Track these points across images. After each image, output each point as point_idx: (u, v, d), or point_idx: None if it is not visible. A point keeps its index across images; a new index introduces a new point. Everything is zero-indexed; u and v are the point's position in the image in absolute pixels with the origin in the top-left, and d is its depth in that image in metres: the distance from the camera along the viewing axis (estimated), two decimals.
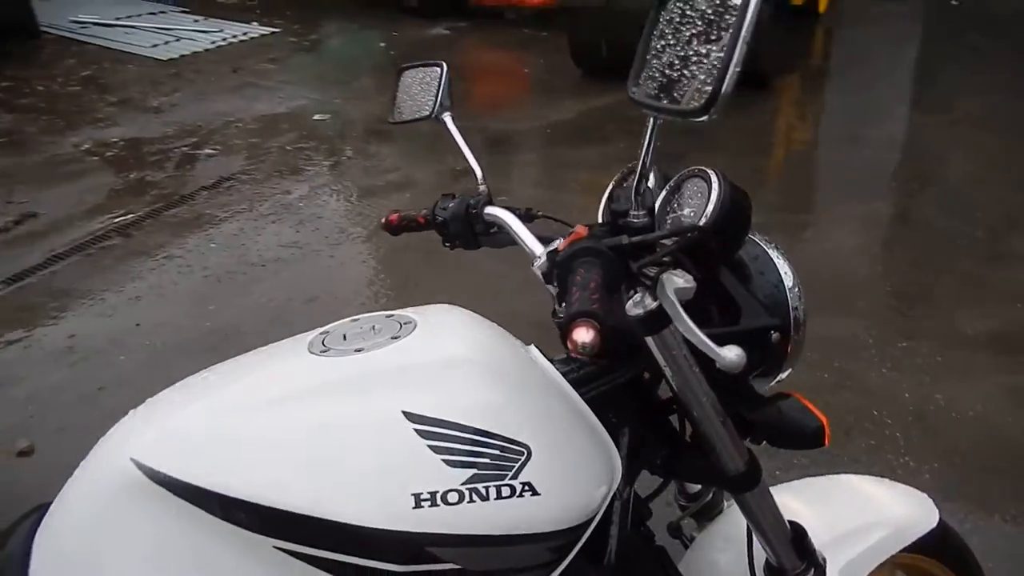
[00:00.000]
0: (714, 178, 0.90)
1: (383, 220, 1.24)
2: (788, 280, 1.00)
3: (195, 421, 0.84)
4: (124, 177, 4.40)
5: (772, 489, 1.20)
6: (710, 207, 0.86)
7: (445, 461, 0.79)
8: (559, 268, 0.75)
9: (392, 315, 0.96)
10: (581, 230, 0.81)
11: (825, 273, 3.10)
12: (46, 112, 5.36)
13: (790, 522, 1.05)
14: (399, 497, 0.77)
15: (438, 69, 1.24)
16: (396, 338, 0.90)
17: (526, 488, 0.81)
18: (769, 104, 5.58)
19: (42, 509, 0.87)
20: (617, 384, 0.98)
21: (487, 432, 0.81)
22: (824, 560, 1.08)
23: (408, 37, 7.33)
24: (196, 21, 7.58)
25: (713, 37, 0.72)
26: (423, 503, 0.78)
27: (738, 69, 0.67)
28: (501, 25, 7.65)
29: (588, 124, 5.18)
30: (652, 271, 0.76)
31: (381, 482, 0.78)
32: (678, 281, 0.76)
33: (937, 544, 1.22)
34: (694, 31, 0.74)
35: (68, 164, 4.55)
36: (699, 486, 1.24)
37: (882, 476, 1.29)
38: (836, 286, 3.05)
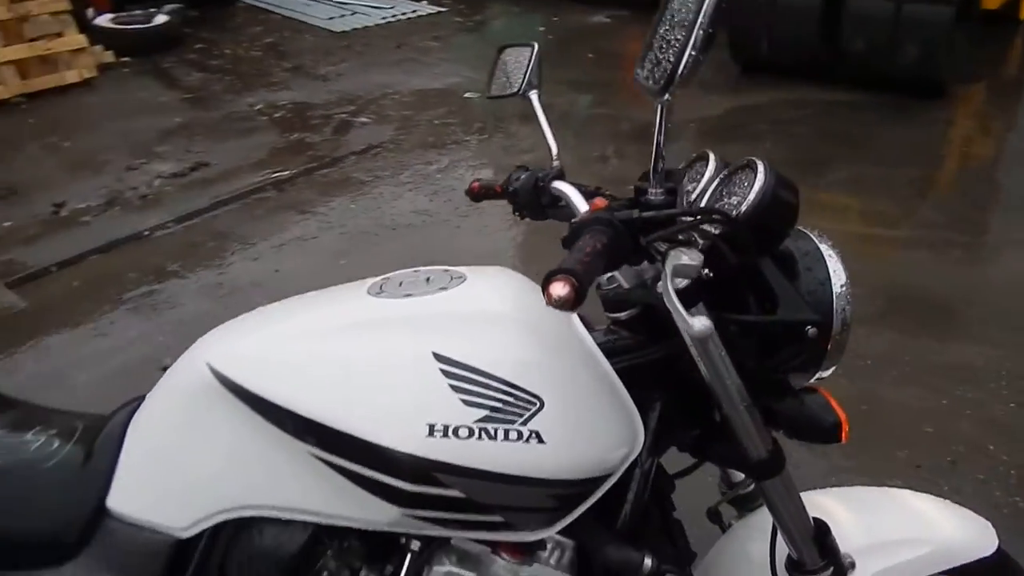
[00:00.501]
0: (760, 171, 0.92)
1: (467, 187, 1.33)
2: (836, 279, 0.99)
3: (260, 340, 0.97)
4: (286, 137, 4.78)
5: (818, 491, 1.21)
6: (750, 197, 0.89)
7: (462, 400, 0.87)
8: (571, 234, 0.80)
9: (448, 270, 1.05)
10: (600, 202, 0.86)
11: (973, 296, 2.90)
12: (230, 73, 5.90)
13: (815, 520, 1.05)
14: (415, 424, 0.86)
15: (530, 49, 1.31)
16: (443, 288, 0.99)
17: (533, 436, 0.87)
18: (943, 114, 5.17)
19: (138, 400, 1.04)
20: (652, 359, 1.01)
21: (505, 381, 0.88)
22: (852, 564, 1.07)
23: (568, 22, 7.39)
24: None
25: (686, 23, 0.76)
26: (435, 433, 0.86)
27: (696, 54, 0.70)
28: None
29: (736, 122, 5.04)
30: (662, 246, 0.80)
31: (402, 409, 0.87)
32: (683, 258, 0.79)
33: (992, 574, 1.17)
34: (679, 18, 0.78)
35: (241, 121, 5.01)
36: (742, 475, 1.25)
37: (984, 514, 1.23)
38: (977, 309, 2.85)
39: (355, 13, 7.46)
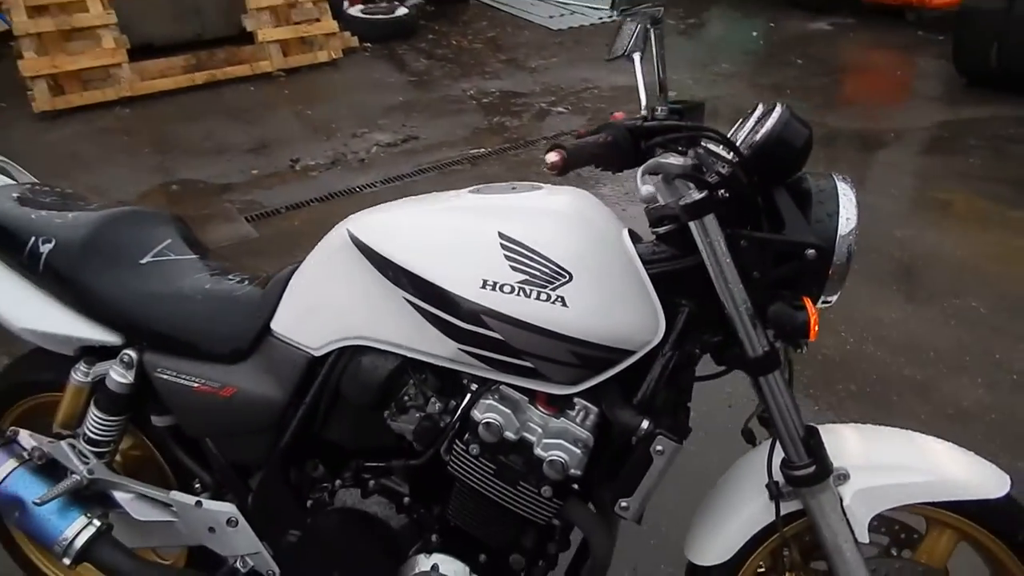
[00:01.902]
0: (776, 111, 1.12)
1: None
2: (844, 213, 1.15)
3: (381, 214, 1.31)
4: (489, 120, 5.27)
5: (842, 424, 1.34)
6: (760, 131, 1.10)
7: (510, 266, 1.16)
8: (591, 131, 1.04)
9: (533, 184, 1.33)
10: (619, 115, 1.10)
11: None
12: (452, 62, 6.54)
13: (808, 426, 1.20)
14: (474, 278, 1.16)
15: (639, 17, 1.53)
16: (516, 191, 1.27)
17: (559, 300, 1.14)
18: None
19: (302, 261, 1.42)
20: (682, 268, 1.22)
21: (545, 257, 1.15)
22: (846, 476, 1.21)
23: (786, 29, 7.30)
24: None
25: None
26: (487, 286, 1.15)
27: None
28: (893, 25, 7.19)
29: (946, 134, 4.81)
30: (658, 151, 1.03)
31: (467, 267, 1.18)
32: (669, 158, 1.01)
33: (1002, 520, 1.23)
34: None
35: (454, 104, 5.57)
36: None
37: None
38: None
39: (574, 13, 7.87)
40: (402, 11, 7.10)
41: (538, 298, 1.14)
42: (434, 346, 1.22)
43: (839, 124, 4.99)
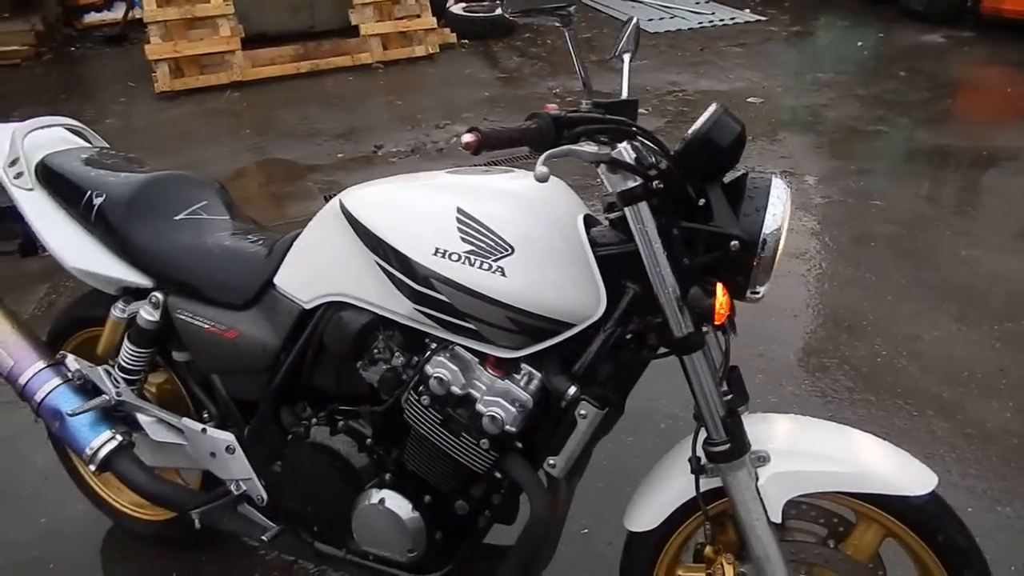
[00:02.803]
0: (707, 112, 1.21)
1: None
2: (772, 210, 1.22)
3: (368, 188, 1.46)
4: None
5: (777, 414, 1.40)
6: (691, 130, 1.19)
7: (461, 237, 1.29)
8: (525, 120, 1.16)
9: (505, 168, 1.46)
10: (551, 106, 1.20)
11: None
12: (542, 61, 6.68)
13: (730, 407, 1.28)
14: (429, 246, 1.31)
15: (633, 19, 1.61)
16: (488, 172, 1.40)
17: (498, 270, 1.27)
18: None
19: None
20: (627, 252, 1.31)
21: (493, 231, 1.28)
22: (765, 459, 1.28)
23: (895, 40, 7.02)
24: (697, 3, 8.34)
25: None
26: (438, 253, 1.30)
27: None
28: (1014, 40, 6.79)
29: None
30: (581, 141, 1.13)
31: (424, 235, 1.32)
32: (584, 146, 1.12)
33: (924, 519, 1.26)
34: None
35: (537, 101, 5.71)
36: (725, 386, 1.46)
37: None
38: None
39: (674, 17, 7.86)
40: (500, 10, 7.30)
41: (480, 267, 1.27)
42: (396, 305, 1.37)
43: (931, 140, 4.81)
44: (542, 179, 1.04)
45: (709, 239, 1.22)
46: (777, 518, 1.27)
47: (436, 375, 1.35)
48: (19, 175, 1.74)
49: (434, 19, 6.69)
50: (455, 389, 1.35)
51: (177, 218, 1.69)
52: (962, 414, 2.41)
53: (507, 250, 1.28)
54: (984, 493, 2.10)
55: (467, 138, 1.06)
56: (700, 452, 1.30)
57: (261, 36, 6.58)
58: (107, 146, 2.00)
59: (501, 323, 1.29)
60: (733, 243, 1.20)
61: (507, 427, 1.32)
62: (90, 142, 1.98)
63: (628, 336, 1.33)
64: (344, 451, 1.47)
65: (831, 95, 5.66)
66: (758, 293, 1.26)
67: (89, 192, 1.69)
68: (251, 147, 5.02)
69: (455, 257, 1.29)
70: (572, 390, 1.29)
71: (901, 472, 1.28)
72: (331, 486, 1.49)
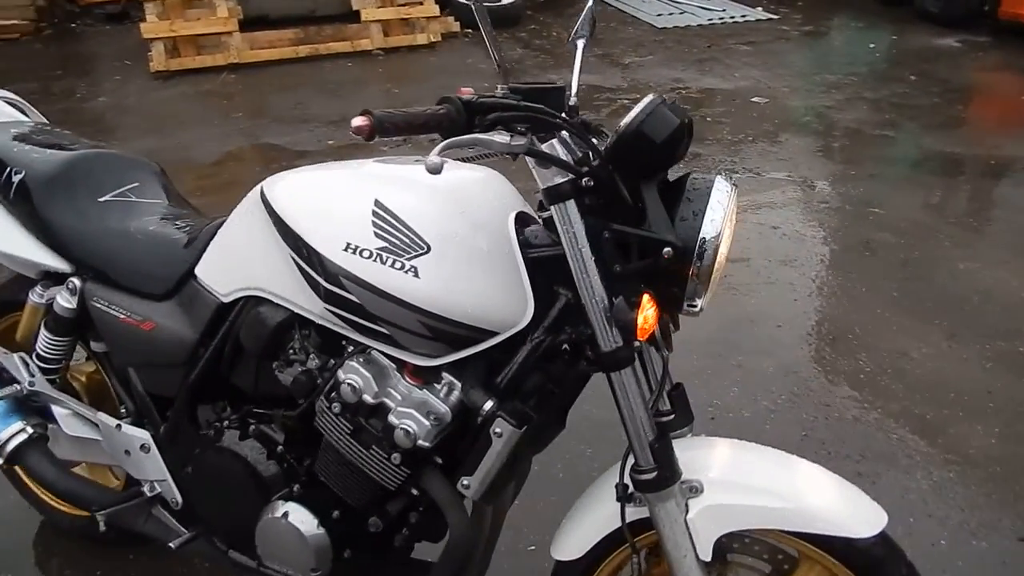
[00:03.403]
0: (641, 104, 1.09)
1: None
2: (711, 214, 1.10)
3: (287, 176, 1.35)
4: None
5: (727, 439, 1.29)
6: (621, 123, 1.07)
7: (375, 232, 1.18)
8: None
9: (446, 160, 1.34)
10: (466, 90, 1.09)
11: None
12: (546, 52, 6.55)
13: (660, 431, 1.16)
14: (340, 240, 1.20)
15: (589, 1, 1.50)
16: (420, 162, 1.29)
17: (411, 270, 1.16)
18: None
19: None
20: (560, 256, 1.20)
21: (409, 227, 1.17)
22: (698, 489, 1.16)
23: (908, 43, 6.84)
24: None
25: None
26: (349, 249, 1.19)
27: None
28: None
29: None
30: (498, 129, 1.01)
31: (336, 228, 1.21)
32: (494, 136, 1.00)
33: (868, 563, 1.15)
34: None
35: None
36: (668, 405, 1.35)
37: None
38: None
39: (684, 12, 7.69)
40: (507, 0, 7.17)
41: (392, 266, 1.16)
42: (309, 303, 1.26)
43: (937, 147, 4.65)
44: (434, 170, 0.93)
45: (642, 245, 1.11)
46: (707, 555, 1.16)
47: (348, 381, 1.24)
48: None
49: (436, 7, 6.56)
50: (367, 398, 1.24)
51: (102, 200, 1.59)
52: (944, 438, 2.29)
53: (422, 248, 1.17)
54: (960, 525, 1.98)
55: (357, 122, 0.94)
56: (628, 479, 1.19)
57: (262, 19, 6.48)
58: (45, 122, 1.91)
59: (415, 328, 1.18)
60: (666, 250, 1.09)
61: (420, 442, 1.21)
62: (27, 115, 1.89)
63: (564, 347, 1.23)
64: (252, 458, 1.37)
65: (838, 97, 5.51)
66: (696, 306, 1.15)
67: (9, 169, 1.59)
68: (241, 131, 4.92)
69: (367, 254, 1.18)
70: (488, 405, 1.18)
71: (846, 510, 1.16)
72: (238, 495, 1.39)
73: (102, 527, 1.52)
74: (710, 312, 3.08)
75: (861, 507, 1.17)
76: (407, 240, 1.17)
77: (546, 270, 1.19)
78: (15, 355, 1.62)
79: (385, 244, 1.17)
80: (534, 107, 1.03)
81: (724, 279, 3.10)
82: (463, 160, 1.35)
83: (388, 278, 1.17)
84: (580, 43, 1.48)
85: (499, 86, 1.11)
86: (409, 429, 1.21)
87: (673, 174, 1.22)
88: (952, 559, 1.88)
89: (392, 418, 1.23)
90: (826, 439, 2.29)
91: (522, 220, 1.26)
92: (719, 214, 1.11)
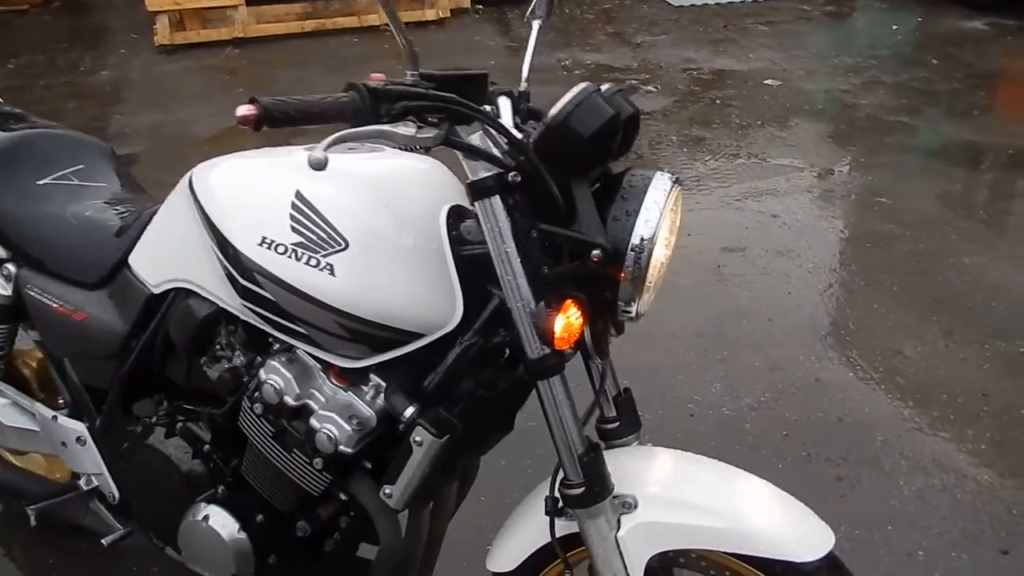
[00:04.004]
0: (571, 93, 1.01)
1: None
2: (646, 215, 1.02)
3: (214, 164, 1.28)
4: None
5: (673, 451, 1.21)
6: (548, 114, 0.99)
7: (291, 226, 1.11)
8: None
9: (375, 145, 1.26)
10: (378, 76, 1.01)
11: None
12: (557, 31, 6.39)
13: (592, 443, 1.09)
14: (255, 234, 1.13)
15: None
16: (354, 151, 1.21)
17: (326, 267, 1.09)
18: None
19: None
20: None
21: (327, 221, 1.10)
22: (632, 505, 1.09)
23: (933, 26, 6.60)
24: None
25: None
26: (264, 243, 1.12)
27: None
28: None
29: None
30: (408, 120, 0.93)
31: (253, 221, 1.15)
32: (399, 127, 0.92)
33: None
34: None
35: (542, 72, 5.38)
36: (614, 411, 1.27)
37: None
38: None
39: None
40: None
41: (307, 263, 1.10)
42: (230, 298, 1.20)
43: (955, 135, 4.49)
44: (317, 166, 0.85)
45: (572, 247, 1.03)
46: (638, 575, 1.09)
47: (270, 382, 1.18)
48: None
49: None
50: (288, 399, 1.18)
51: (41, 182, 1.54)
52: (932, 442, 2.19)
53: (339, 244, 1.09)
54: (940, 536, 1.89)
55: (242, 110, 0.86)
56: (559, 492, 1.12)
57: None
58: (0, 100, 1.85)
59: (332, 329, 1.12)
60: (595, 252, 1.00)
61: (342, 447, 1.15)
62: None
63: (505, 351, 1.16)
64: (176, 456, 1.32)
65: (855, 81, 5.33)
66: (630, 312, 1.06)
67: None
68: None
69: (281, 249, 1.11)
70: (409, 412, 1.11)
71: (790, 532, 1.08)
72: (163, 493, 1.34)
73: (33, 521, 1.48)
74: (698, 304, 3.03)
75: (807, 528, 1.09)
76: (324, 236, 1.10)
77: (479, 269, 1.11)
78: None
79: (301, 239, 1.10)
80: (445, 96, 0.95)
81: (717, 268, 3.06)
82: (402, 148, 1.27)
83: (302, 276, 1.10)
84: (536, 24, 1.40)
85: (408, 73, 1.03)
86: (331, 434, 1.15)
87: (619, 168, 1.14)
88: (929, 570, 1.80)
89: (314, 421, 1.16)
90: (808, 440, 2.20)
91: (459, 214, 1.17)
92: (654, 214, 1.02)
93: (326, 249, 1.09)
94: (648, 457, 1.20)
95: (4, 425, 1.56)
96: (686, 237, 3.33)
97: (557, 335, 0.98)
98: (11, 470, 1.57)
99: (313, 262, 1.09)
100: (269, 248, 1.12)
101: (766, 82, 5.31)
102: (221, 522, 1.26)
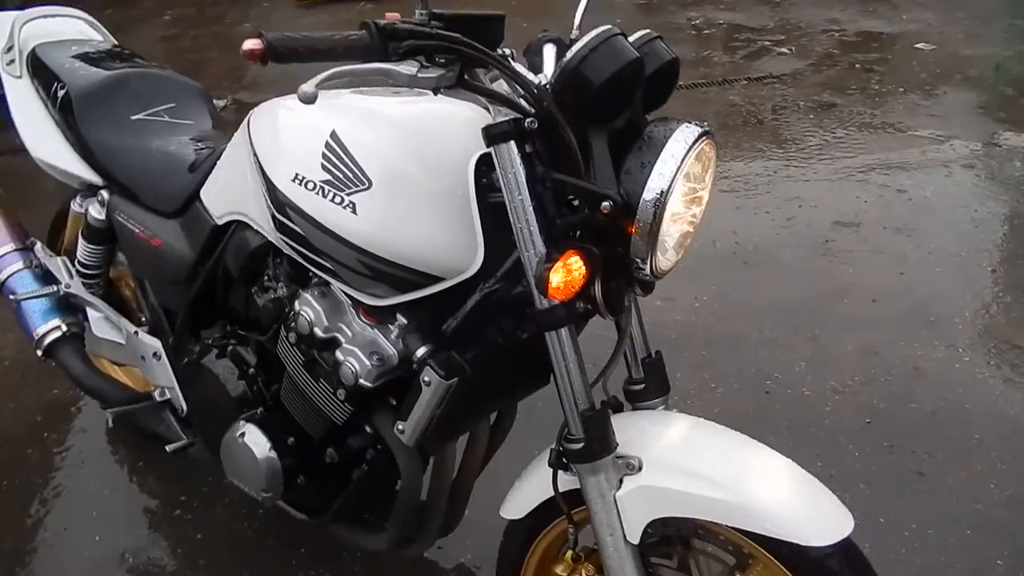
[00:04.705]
0: (587, 36, 0.97)
1: None
2: (661, 167, 0.98)
3: (273, 104, 1.33)
4: (698, 53, 4.92)
5: (698, 418, 1.17)
6: (563, 61, 0.97)
7: (321, 164, 1.15)
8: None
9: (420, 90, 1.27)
10: (393, 15, 1.00)
11: None
12: None
13: (603, 403, 1.07)
14: (290, 170, 1.18)
15: None
16: (397, 95, 1.23)
17: (349, 205, 1.12)
18: None
19: None
20: None
21: (355, 160, 1.13)
22: (636, 466, 1.06)
23: None
24: None
25: None
26: (296, 179, 1.17)
27: None
28: None
29: None
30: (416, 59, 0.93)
31: (289, 158, 1.20)
32: (401, 65, 0.92)
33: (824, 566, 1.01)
34: None
35: (671, 32, 5.26)
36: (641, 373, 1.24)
37: None
38: None
39: None
40: None
41: (332, 200, 1.13)
42: (271, 231, 1.26)
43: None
44: (306, 100, 0.86)
45: (584, 198, 1.00)
46: (635, 538, 1.07)
47: (303, 312, 1.24)
48: (11, 62, 1.77)
49: None
50: (317, 331, 1.23)
51: (134, 118, 1.66)
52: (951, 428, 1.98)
53: (363, 184, 1.11)
54: None
55: (248, 44, 0.88)
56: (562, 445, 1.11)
57: None
58: (116, 44, 2.00)
59: (354, 266, 1.15)
60: (604, 204, 0.97)
61: (362, 381, 1.19)
62: (103, 36, 1.99)
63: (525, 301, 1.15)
64: (224, 376, 1.41)
65: (1021, 47, 4.79)
66: (643, 270, 1.02)
67: (56, 82, 1.69)
68: None
69: (311, 186, 1.15)
70: (421, 351, 1.13)
71: (801, 513, 1.02)
72: (215, 410, 1.44)
73: (110, 423, 1.64)
74: (796, 279, 2.90)
75: (822, 512, 1.03)
76: (350, 174, 1.12)
77: (505, 217, 1.11)
78: (58, 258, 1.76)
79: (329, 177, 1.14)
80: (451, 36, 0.94)
81: (824, 243, 2.88)
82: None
83: (327, 212, 1.13)
84: None
85: (417, 11, 1.02)
86: (353, 368, 1.19)
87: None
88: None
89: (339, 354, 1.21)
90: (893, 431, 2.05)
91: (489, 162, 1.17)
92: (670, 167, 0.97)
93: (350, 188, 1.12)
94: (665, 422, 1.16)
95: (98, 337, 1.72)
96: (797, 208, 3.15)
97: (552, 285, 0.95)
98: (98, 376, 1.73)
99: (338, 200, 1.12)
100: (300, 184, 1.16)
101: (917, 46, 4.87)
102: (255, 440, 1.34)
